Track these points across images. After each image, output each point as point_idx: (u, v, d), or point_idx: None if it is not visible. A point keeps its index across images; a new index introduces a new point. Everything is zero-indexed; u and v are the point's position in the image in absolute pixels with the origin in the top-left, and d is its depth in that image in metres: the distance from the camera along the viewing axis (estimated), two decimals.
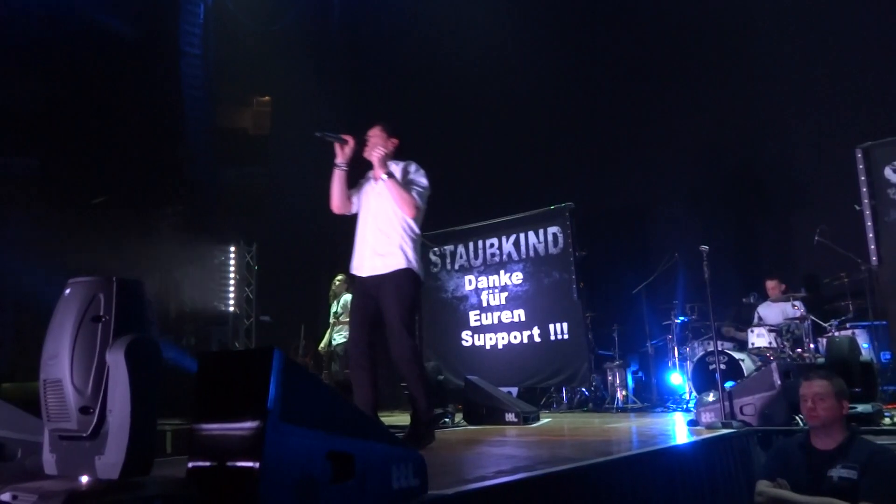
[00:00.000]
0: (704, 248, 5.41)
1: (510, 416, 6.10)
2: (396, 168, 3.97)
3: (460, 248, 10.30)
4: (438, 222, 10.35)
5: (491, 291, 9.81)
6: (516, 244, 9.65)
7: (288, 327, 9.37)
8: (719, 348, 6.48)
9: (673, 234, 8.68)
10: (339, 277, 7.81)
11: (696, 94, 8.74)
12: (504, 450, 4.33)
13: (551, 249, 9.28)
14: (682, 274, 7.86)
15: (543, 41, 9.37)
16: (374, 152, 3.85)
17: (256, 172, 10.14)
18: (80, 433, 1.65)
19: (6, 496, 1.56)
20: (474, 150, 9.99)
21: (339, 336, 7.48)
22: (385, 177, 3.81)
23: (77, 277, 1.77)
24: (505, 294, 9.64)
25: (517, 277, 9.56)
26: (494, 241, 9.90)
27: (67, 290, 1.73)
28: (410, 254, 3.81)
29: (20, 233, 7.06)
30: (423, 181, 3.96)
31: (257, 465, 1.80)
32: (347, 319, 7.34)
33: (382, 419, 4.78)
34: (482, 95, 9.75)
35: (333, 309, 7.78)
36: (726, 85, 8.64)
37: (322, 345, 7.88)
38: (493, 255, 9.92)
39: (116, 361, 1.65)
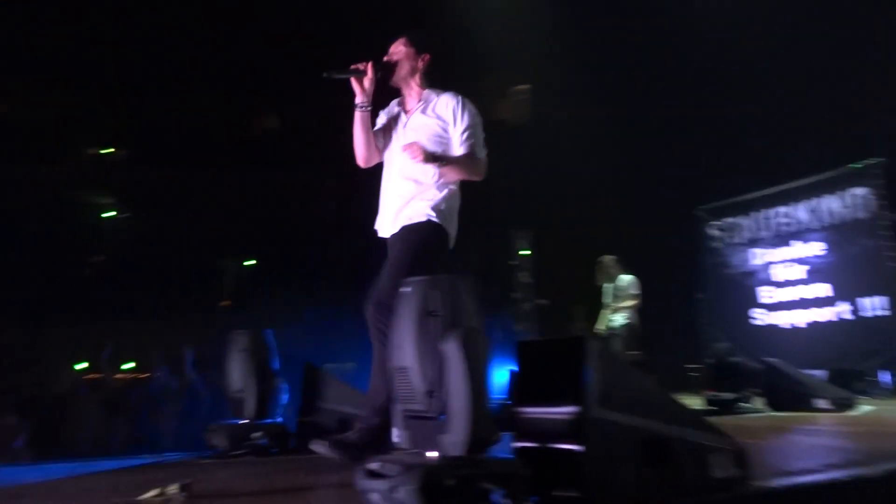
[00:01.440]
0: None
1: (820, 403, 5.52)
2: (434, 102, 2.95)
3: (745, 220, 9.55)
4: (717, 194, 9.70)
5: (785, 264, 8.92)
6: (813, 211, 8.64)
7: (566, 310, 9.51)
8: None
9: None
10: (608, 258, 7.69)
11: None
12: (821, 440, 3.95)
13: (859, 213, 8.14)
14: None
15: None
16: (411, 151, 2.80)
17: (521, 159, 10.43)
18: (426, 414, 1.86)
19: (375, 465, 1.83)
20: (754, 110, 9.11)
21: (619, 318, 7.38)
22: (436, 167, 2.84)
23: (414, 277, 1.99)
24: (804, 267, 8.69)
25: (818, 248, 8.56)
26: (785, 208, 8.98)
27: (407, 288, 1.96)
28: (443, 206, 2.87)
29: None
30: (473, 119, 2.92)
31: (581, 448, 1.88)
32: (626, 304, 7.26)
33: None
34: (761, 41, 8.75)
35: (607, 291, 7.70)
36: None
37: (598, 326, 7.85)
38: (784, 224, 9.01)
39: (451, 351, 1.83)
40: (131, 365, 7.87)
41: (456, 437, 1.78)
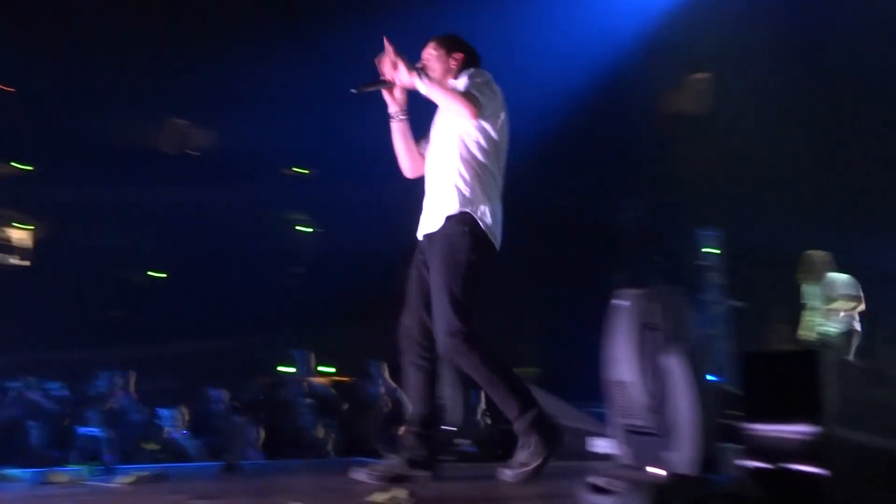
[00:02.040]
0: None
1: None
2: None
3: None
4: None
5: None
6: None
7: (764, 313, 8.87)
8: None
9: None
10: (816, 254, 6.96)
11: None
12: None
13: None
14: None
15: None
16: (393, 68, 2.76)
17: (704, 153, 9.93)
18: (649, 429, 1.84)
19: (600, 481, 1.83)
20: None
21: (837, 324, 6.66)
22: (419, 81, 2.72)
23: (626, 289, 1.97)
24: None
25: None
26: None
27: (621, 301, 1.95)
28: (467, 192, 2.70)
29: None
30: (476, 77, 2.80)
31: (823, 471, 1.74)
32: (847, 307, 6.54)
33: None
34: None
35: (810, 291, 7.00)
36: None
37: (802, 332, 7.17)
38: None
39: (675, 366, 1.79)
40: (332, 370, 8.51)
41: (684, 455, 1.74)
